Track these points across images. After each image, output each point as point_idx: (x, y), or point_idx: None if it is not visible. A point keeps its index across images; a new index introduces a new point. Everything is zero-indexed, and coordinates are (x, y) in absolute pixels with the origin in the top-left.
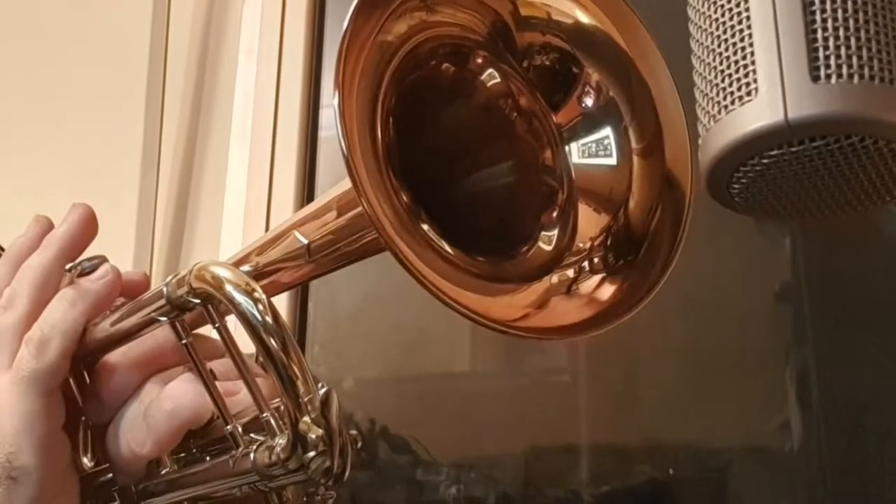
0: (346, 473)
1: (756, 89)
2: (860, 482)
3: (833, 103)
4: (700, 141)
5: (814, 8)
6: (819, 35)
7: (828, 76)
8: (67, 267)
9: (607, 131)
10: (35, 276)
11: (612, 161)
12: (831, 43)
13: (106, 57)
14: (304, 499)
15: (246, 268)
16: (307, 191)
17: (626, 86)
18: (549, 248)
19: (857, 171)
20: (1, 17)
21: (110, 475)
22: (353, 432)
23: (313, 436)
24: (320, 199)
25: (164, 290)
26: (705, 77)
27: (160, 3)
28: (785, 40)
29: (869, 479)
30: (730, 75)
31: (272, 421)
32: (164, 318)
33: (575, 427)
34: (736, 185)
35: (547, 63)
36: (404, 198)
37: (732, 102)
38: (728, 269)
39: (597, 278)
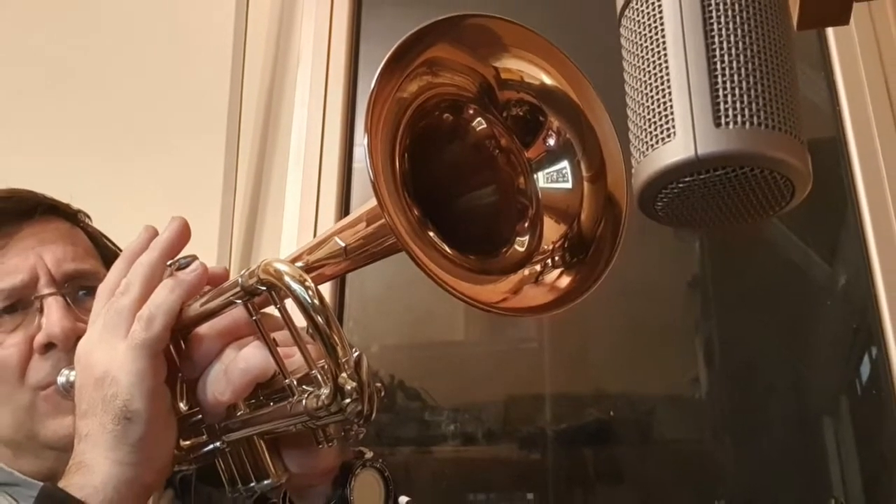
0: (373, 415)
1: (674, 132)
2: (751, 423)
3: (731, 143)
4: (633, 170)
5: (716, 73)
6: (720, 94)
7: (727, 123)
8: (168, 263)
9: (565, 163)
10: (144, 270)
11: (569, 185)
12: (730, 99)
13: (195, 106)
14: (342, 434)
15: (300, 264)
16: (344, 207)
17: (578, 130)
18: (522, 249)
19: (749, 192)
20: (119, 75)
21: (200, 416)
22: (378, 385)
23: (349, 387)
24: (354, 213)
25: (239, 280)
26: (637, 123)
27: (237, 67)
28: (695, 97)
29: (757, 421)
30: (655, 122)
31: (318, 376)
32: (239, 301)
33: (541, 381)
34: (659, 203)
35: (520, 113)
36: (415, 212)
37: (657, 142)
38: (653, 264)
39: (557, 271)
